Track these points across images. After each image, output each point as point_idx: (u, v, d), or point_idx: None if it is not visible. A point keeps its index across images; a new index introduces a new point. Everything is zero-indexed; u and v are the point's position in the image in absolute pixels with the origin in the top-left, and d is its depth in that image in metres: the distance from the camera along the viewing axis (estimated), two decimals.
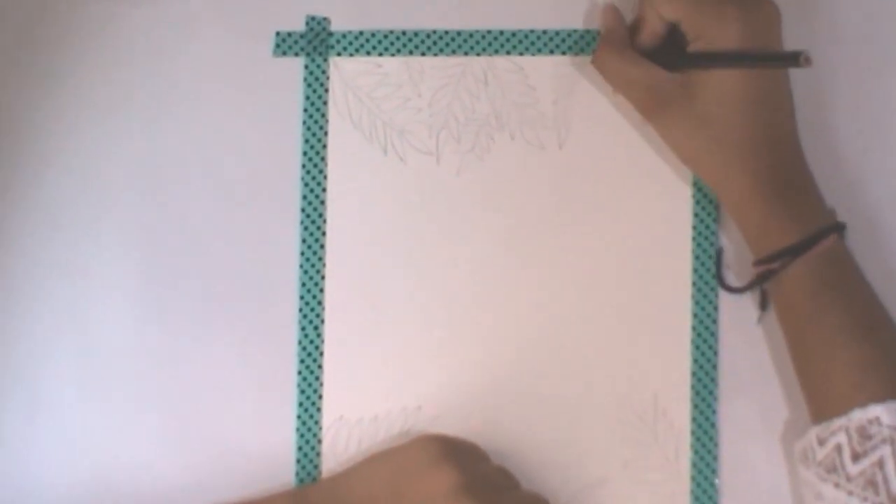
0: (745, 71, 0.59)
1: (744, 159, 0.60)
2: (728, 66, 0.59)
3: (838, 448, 0.56)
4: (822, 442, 0.57)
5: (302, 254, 0.66)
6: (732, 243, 0.65)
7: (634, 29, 0.64)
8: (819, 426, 0.58)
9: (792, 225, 0.59)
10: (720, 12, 0.60)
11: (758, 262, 0.61)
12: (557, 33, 0.66)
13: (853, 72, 0.66)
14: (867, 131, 0.66)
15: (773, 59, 0.60)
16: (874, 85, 0.66)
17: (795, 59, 0.58)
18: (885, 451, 0.55)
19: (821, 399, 0.59)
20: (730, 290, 0.64)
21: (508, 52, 0.66)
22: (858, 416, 0.56)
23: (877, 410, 0.56)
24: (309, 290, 0.65)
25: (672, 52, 0.62)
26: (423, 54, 0.66)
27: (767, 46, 0.60)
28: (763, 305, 0.64)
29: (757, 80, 0.60)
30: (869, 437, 0.55)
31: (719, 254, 0.65)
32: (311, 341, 0.65)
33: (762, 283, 0.61)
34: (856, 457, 0.56)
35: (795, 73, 0.61)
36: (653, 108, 0.62)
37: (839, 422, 0.57)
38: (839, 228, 0.60)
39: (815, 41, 0.64)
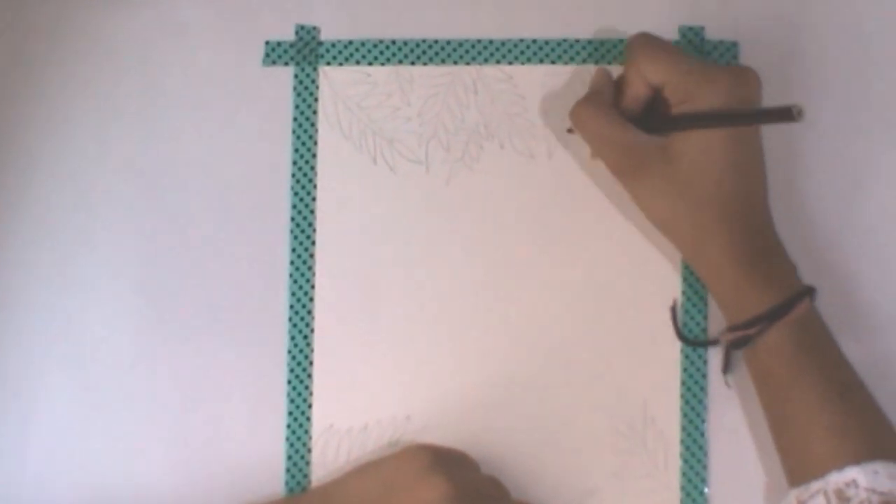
0: (724, 137, 0.59)
1: (717, 225, 0.60)
2: (717, 125, 0.59)
3: None
4: None
5: (292, 262, 0.66)
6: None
7: (618, 92, 0.63)
8: (798, 489, 0.58)
9: (766, 291, 0.59)
10: (707, 76, 0.60)
11: (733, 328, 0.61)
12: (547, 42, 0.66)
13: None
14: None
15: (764, 116, 0.59)
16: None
17: (788, 113, 0.57)
18: None
19: (798, 461, 0.59)
20: (688, 342, 0.64)
21: (498, 62, 0.66)
22: (836, 478, 0.56)
23: (853, 473, 0.56)
24: (299, 300, 0.65)
25: (653, 116, 0.62)
26: (412, 63, 0.66)
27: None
28: (725, 368, 0.63)
29: (735, 146, 0.60)
30: (847, 500, 0.55)
31: (674, 308, 0.65)
32: (301, 350, 0.65)
33: (737, 349, 0.61)
34: None
35: (769, 139, 0.61)
36: (627, 170, 0.62)
37: (817, 485, 0.57)
38: (810, 293, 0.60)
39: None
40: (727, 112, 0.59)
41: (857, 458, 0.56)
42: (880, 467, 0.56)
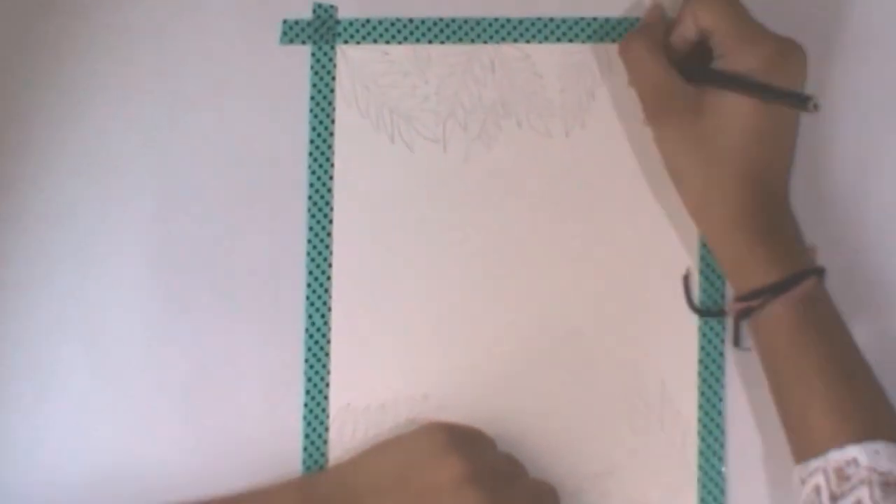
0: (758, 104, 0.59)
1: (732, 188, 0.60)
2: (740, 91, 0.59)
3: (817, 489, 0.56)
4: (803, 482, 0.57)
5: (309, 241, 0.66)
6: None
7: (669, 29, 0.63)
8: (799, 466, 0.58)
9: (772, 264, 0.59)
10: (753, 37, 0.60)
11: (738, 299, 0.61)
12: (564, 21, 0.66)
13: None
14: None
15: (784, 96, 0.59)
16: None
17: (804, 102, 0.59)
18: (863, 492, 0.55)
19: (800, 439, 0.59)
20: (699, 312, 0.64)
21: (515, 40, 0.66)
22: (836, 457, 0.56)
23: (854, 451, 0.55)
24: (316, 278, 0.65)
25: (695, 64, 0.62)
26: (430, 42, 0.66)
27: (786, 87, 0.60)
28: (737, 341, 0.63)
29: (768, 117, 0.60)
30: (847, 479, 0.55)
31: (686, 277, 0.65)
32: (319, 329, 0.65)
33: (741, 320, 0.61)
34: (834, 498, 0.55)
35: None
36: (659, 112, 0.62)
37: (816, 463, 0.57)
38: (819, 272, 0.60)
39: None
40: (750, 81, 0.59)
41: (859, 437, 0.56)
42: (881, 447, 0.55)
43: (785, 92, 0.60)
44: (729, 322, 0.64)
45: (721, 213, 0.60)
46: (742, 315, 0.61)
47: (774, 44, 0.60)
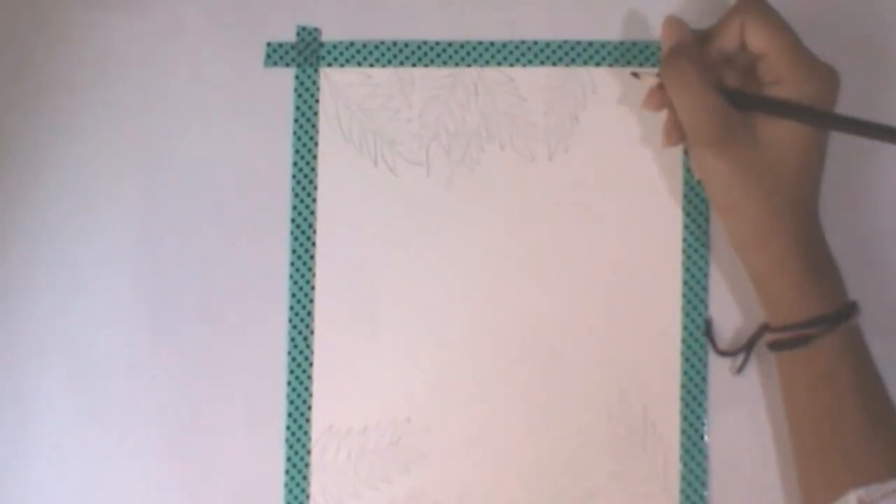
0: (811, 134, 0.57)
1: (791, 218, 0.58)
2: (819, 124, 0.57)
3: None
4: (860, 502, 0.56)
5: (292, 264, 0.66)
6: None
7: (701, 43, 0.60)
8: (866, 489, 0.55)
9: (827, 293, 0.58)
10: (808, 63, 0.58)
11: (786, 328, 0.59)
12: (548, 44, 0.66)
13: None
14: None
15: (884, 132, 0.57)
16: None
17: None
18: None
19: (855, 464, 0.57)
20: (724, 354, 0.63)
21: (499, 63, 0.66)
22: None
23: None
24: (299, 301, 0.65)
25: (740, 90, 0.59)
26: (413, 65, 0.66)
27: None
28: (742, 367, 0.63)
29: (816, 146, 0.58)
30: None
31: (708, 323, 0.64)
32: (301, 351, 0.65)
33: (780, 350, 0.60)
34: None
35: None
36: (709, 140, 0.58)
37: (892, 485, 0.55)
38: (855, 305, 0.59)
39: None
40: (842, 116, 0.57)
41: None
42: None
43: (879, 126, 0.57)
44: (713, 354, 0.64)
45: (782, 241, 0.58)
46: (783, 345, 0.59)
47: (825, 71, 0.58)
